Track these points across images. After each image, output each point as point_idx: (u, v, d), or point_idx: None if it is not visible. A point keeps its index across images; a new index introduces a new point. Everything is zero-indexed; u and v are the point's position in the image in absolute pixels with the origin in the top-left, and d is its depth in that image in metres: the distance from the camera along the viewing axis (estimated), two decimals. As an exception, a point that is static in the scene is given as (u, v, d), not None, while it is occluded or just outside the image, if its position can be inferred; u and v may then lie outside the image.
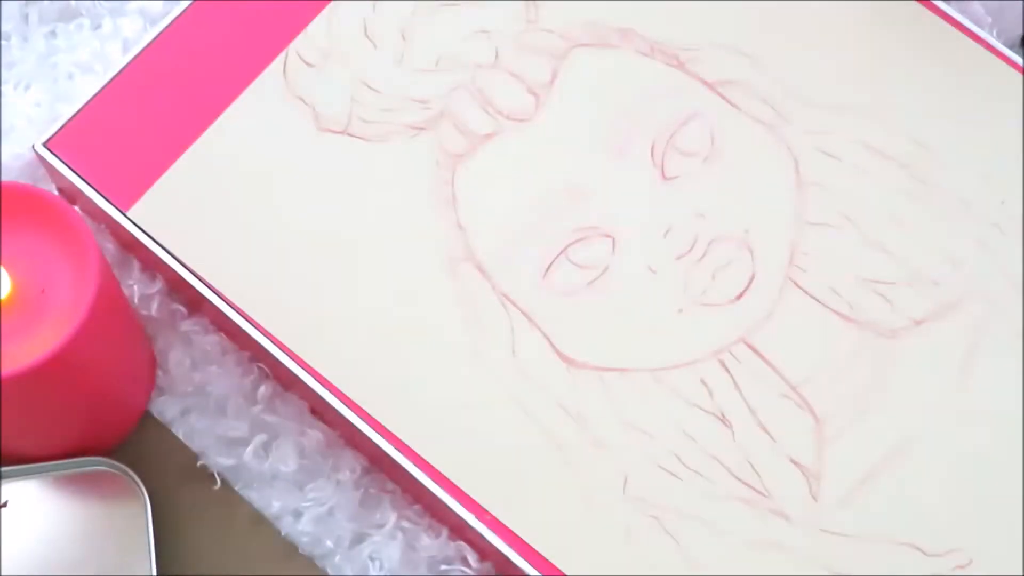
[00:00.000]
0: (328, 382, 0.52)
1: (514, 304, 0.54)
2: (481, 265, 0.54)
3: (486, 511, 0.51)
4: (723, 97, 0.58)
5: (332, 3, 0.59)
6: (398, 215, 0.55)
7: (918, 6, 0.59)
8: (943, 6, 0.60)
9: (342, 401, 0.52)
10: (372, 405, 0.52)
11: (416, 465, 0.51)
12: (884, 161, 0.56)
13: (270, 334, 0.53)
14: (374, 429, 0.52)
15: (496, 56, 0.58)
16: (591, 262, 0.54)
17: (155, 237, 0.54)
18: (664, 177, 0.56)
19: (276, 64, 0.58)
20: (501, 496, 0.51)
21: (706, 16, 0.59)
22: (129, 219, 0.55)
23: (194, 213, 0.55)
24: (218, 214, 0.55)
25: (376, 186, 0.56)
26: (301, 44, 0.58)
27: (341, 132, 0.57)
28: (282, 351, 0.53)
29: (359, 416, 0.52)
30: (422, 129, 0.57)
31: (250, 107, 0.57)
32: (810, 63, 0.58)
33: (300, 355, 0.53)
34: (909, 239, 0.55)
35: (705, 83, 0.58)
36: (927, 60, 0.59)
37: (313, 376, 0.53)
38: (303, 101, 0.57)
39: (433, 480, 0.51)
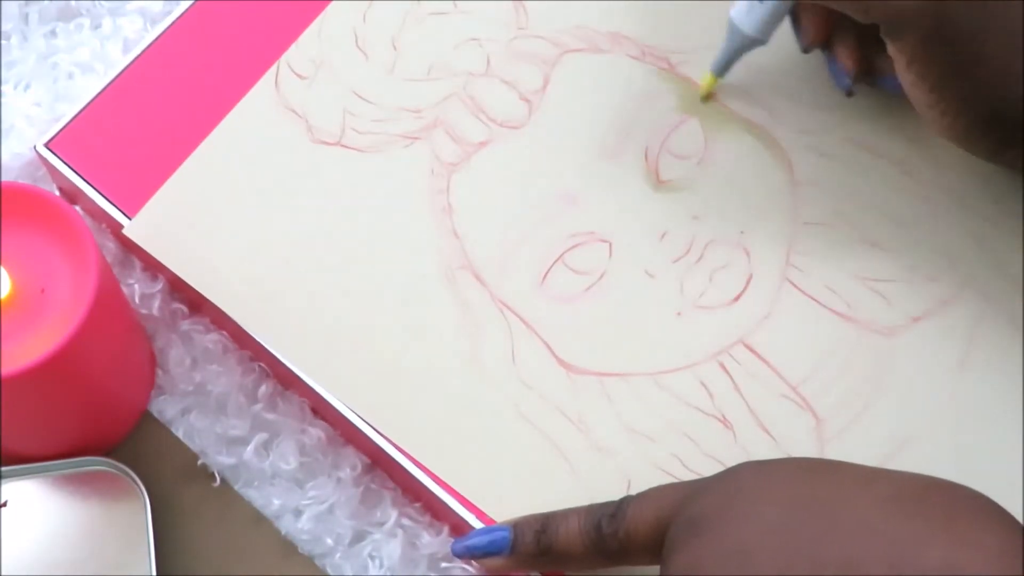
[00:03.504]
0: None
1: (512, 311, 0.54)
2: (478, 273, 0.54)
3: (486, 515, 0.51)
4: (715, 98, 0.58)
5: (322, 15, 0.59)
6: (394, 224, 0.55)
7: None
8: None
9: (341, 400, 0.52)
10: (373, 415, 0.52)
11: (417, 466, 0.51)
12: (877, 159, 0.57)
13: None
14: (375, 430, 0.52)
15: (487, 64, 0.59)
16: (588, 267, 0.55)
17: (153, 253, 0.55)
18: (659, 180, 0.56)
19: (268, 76, 0.58)
20: (504, 502, 0.51)
21: (695, 18, 0.59)
22: (127, 235, 0.55)
23: (190, 228, 0.55)
24: (215, 228, 0.55)
25: (371, 196, 0.56)
26: (292, 56, 0.59)
27: (335, 143, 0.57)
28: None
29: (360, 416, 0.52)
30: (416, 138, 0.57)
31: (243, 120, 0.57)
32: (801, 62, 0.58)
33: (299, 366, 0.53)
34: (904, 236, 0.55)
35: (697, 85, 0.58)
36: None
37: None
38: (296, 113, 0.58)
39: (434, 481, 0.51)
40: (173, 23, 0.59)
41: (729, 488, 0.43)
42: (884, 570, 0.39)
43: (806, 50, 0.54)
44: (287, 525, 0.54)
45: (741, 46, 0.55)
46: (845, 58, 0.54)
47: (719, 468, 0.46)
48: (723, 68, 0.56)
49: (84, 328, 0.47)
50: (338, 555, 0.54)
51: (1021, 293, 0.54)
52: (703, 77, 0.57)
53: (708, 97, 0.57)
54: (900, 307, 0.54)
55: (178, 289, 0.57)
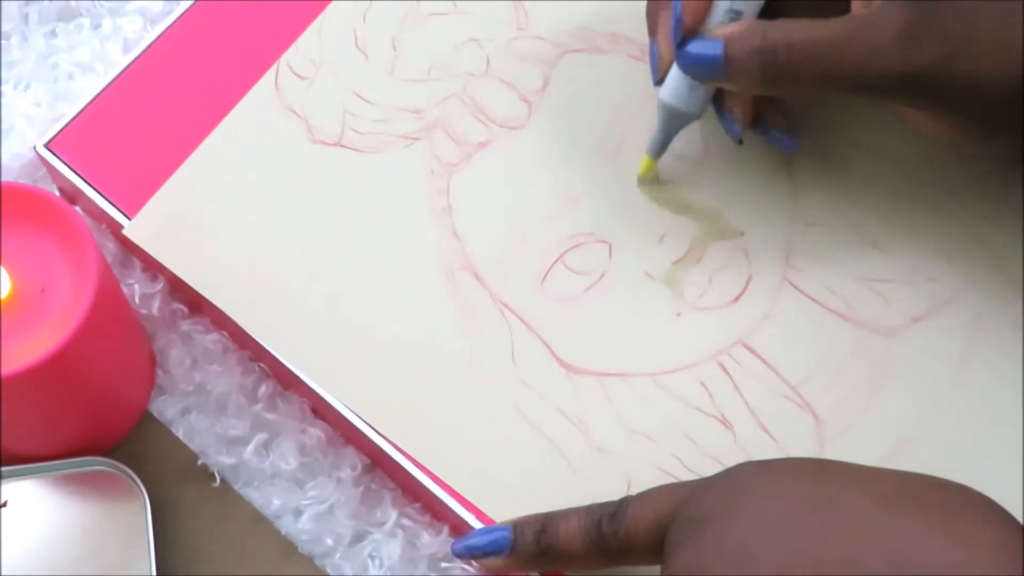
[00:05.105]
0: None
1: (513, 311, 0.54)
2: (479, 273, 0.54)
3: (486, 515, 0.51)
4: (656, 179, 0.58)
5: (322, 15, 0.59)
6: (394, 225, 0.55)
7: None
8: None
9: (342, 401, 0.52)
10: (373, 416, 0.52)
11: (417, 466, 0.51)
12: (877, 159, 0.57)
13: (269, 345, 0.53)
14: (375, 430, 0.52)
15: (487, 64, 0.59)
16: (588, 268, 0.55)
17: (152, 253, 0.55)
18: (659, 181, 0.56)
19: (268, 76, 0.58)
20: (505, 503, 0.51)
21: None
22: (127, 236, 0.55)
23: (190, 228, 0.55)
24: (215, 228, 0.55)
25: (371, 197, 0.56)
26: (292, 56, 0.59)
27: (335, 144, 0.57)
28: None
29: (360, 417, 0.52)
30: (416, 139, 0.57)
31: (243, 120, 0.57)
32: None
33: (299, 366, 0.53)
34: (904, 237, 0.55)
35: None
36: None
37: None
38: (295, 113, 0.58)
39: (434, 481, 0.51)
40: (173, 23, 0.59)
41: (730, 488, 0.43)
42: (884, 568, 0.39)
43: (741, 141, 0.54)
44: (287, 525, 0.54)
45: (678, 124, 0.53)
46: (736, 107, 0.53)
47: (719, 468, 0.46)
48: (661, 149, 0.54)
49: (84, 328, 0.47)
50: (338, 555, 0.54)
51: (1021, 293, 0.54)
52: (641, 160, 0.55)
53: (648, 178, 0.56)
54: (900, 307, 0.54)
55: (178, 289, 0.57)
